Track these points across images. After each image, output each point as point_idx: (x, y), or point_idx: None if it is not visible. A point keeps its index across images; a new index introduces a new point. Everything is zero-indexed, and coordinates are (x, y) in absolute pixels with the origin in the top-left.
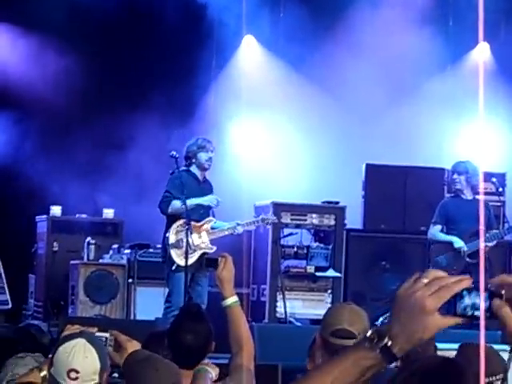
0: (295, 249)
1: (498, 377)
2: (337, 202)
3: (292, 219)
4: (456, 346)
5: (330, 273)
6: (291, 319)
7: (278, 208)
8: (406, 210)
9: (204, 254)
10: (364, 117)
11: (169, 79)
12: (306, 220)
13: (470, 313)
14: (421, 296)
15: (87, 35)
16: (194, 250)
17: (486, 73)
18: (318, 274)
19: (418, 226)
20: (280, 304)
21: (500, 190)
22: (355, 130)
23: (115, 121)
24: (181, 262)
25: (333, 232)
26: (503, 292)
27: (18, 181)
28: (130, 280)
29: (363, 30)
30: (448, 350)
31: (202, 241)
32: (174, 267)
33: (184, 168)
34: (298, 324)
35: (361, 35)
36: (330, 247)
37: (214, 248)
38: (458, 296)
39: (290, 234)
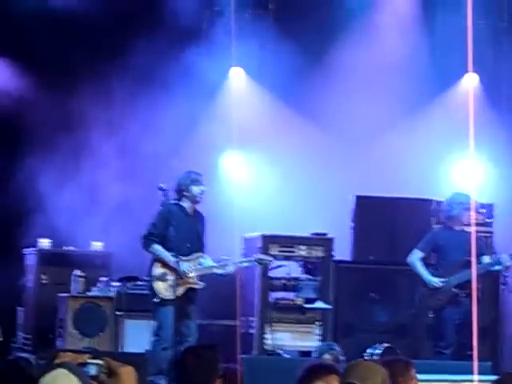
0: (284, 281)
1: None
2: (325, 234)
3: (280, 251)
4: (440, 376)
5: (319, 304)
6: (280, 351)
7: (267, 240)
8: (394, 241)
9: (191, 288)
10: (352, 148)
11: (159, 108)
12: (294, 252)
13: None
14: None
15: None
16: (179, 284)
17: (474, 103)
18: (306, 305)
19: (406, 257)
20: (268, 336)
21: (488, 220)
22: (344, 160)
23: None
24: (163, 295)
25: (321, 263)
26: None
27: (4, 212)
28: (119, 313)
29: (352, 63)
30: (431, 381)
31: (187, 276)
32: (156, 300)
33: (174, 201)
34: (287, 356)
35: (349, 68)
36: (319, 279)
37: (201, 284)
38: None
39: (280, 266)
